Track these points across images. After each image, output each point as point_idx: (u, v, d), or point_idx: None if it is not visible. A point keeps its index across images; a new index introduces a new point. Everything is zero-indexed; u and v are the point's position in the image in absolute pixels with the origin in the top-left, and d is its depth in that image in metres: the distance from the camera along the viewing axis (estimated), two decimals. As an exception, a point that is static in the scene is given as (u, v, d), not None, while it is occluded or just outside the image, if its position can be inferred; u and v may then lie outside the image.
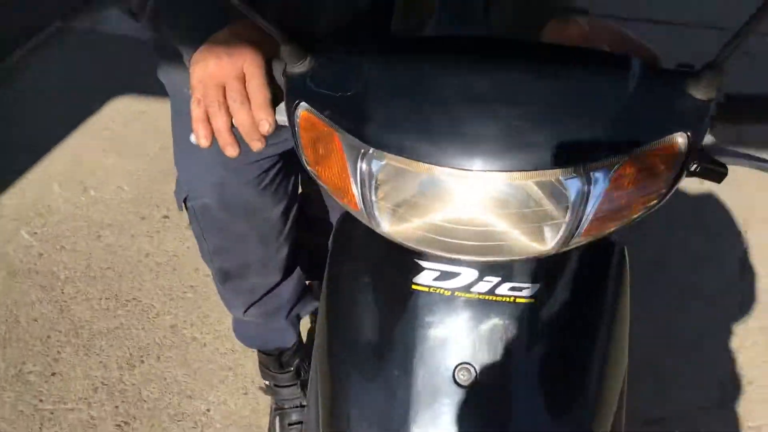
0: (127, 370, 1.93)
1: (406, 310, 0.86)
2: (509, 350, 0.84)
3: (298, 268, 1.54)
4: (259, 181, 1.26)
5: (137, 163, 2.62)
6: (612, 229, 0.73)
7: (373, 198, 0.74)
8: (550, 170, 0.68)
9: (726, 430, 1.78)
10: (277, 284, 1.48)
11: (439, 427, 0.82)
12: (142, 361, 1.96)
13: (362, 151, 0.72)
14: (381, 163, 0.72)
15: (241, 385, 1.90)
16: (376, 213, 0.75)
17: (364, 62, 0.76)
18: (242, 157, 1.23)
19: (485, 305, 0.84)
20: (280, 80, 0.82)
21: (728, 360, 1.94)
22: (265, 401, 1.84)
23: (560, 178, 0.68)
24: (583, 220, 0.71)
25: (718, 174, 0.76)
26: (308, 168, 0.80)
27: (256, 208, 1.30)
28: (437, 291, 0.84)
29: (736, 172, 0.81)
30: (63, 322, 2.05)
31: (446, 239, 0.73)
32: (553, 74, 0.72)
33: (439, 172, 0.69)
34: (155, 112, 2.85)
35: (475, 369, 0.83)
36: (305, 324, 1.98)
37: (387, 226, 0.76)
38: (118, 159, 2.64)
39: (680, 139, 0.71)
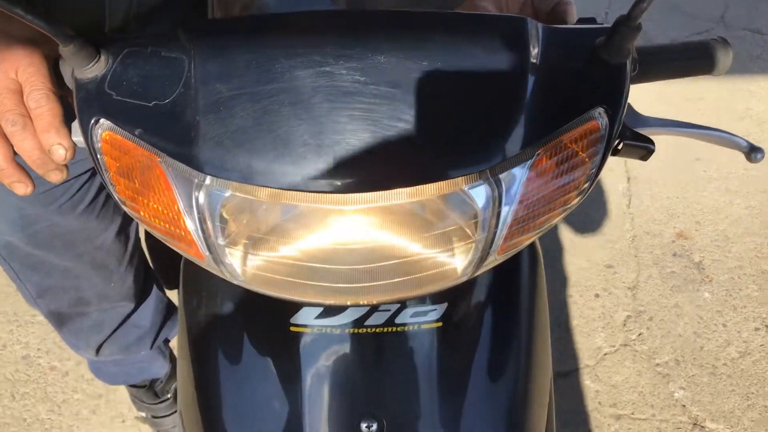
0: (-23, 417, 1.65)
1: (287, 358, 0.68)
2: (421, 389, 0.68)
3: (155, 287, 1.29)
4: (73, 205, 1.00)
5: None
6: (529, 241, 0.58)
7: (220, 242, 0.55)
8: (447, 181, 0.51)
9: (635, 370, 1.74)
10: (132, 312, 1.24)
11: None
12: (-6, 404, 1.68)
13: (196, 181, 0.52)
14: (224, 195, 0.52)
15: (116, 413, 1.66)
16: (228, 261, 0.56)
17: (184, 53, 0.55)
18: (40, 182, 0.97)
19: (385, 339, 0.67)
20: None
21: (627, 299, 1.90)
22: (148, 427, 1.62)
23: (463, 188, 0.52)
24: (498, 234, 0.55)
25: (644, 150, 0.62)
26: (125, 208, 0.59)
27: (79, 237, 1.05)
28: (323, 330, 0.67)
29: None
30: None
31: (326, 284, 0.56)
32: (436, 53, 0.54)
33: (302, 199, 0.51)
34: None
35: (382, 421, 0.66)
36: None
37: (245, 276, 0.57)
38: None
39: (599, 115, 0.56)
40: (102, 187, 1.03)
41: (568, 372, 1.74)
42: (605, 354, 1.78)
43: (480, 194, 0.52)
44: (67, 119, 0.60)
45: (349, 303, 0.57)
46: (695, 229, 2.07)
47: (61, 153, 0.58)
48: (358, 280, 0.55)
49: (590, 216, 2.10)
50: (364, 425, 0.67)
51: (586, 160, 0.56)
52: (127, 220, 1.11)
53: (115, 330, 1.23)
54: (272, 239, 0.55)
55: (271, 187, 0.50)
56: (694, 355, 1.78)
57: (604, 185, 2.21)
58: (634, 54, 0.61)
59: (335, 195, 0.50)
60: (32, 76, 0.59)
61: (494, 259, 0.57)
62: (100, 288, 1.14)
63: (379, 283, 0.56)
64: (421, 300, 0.67)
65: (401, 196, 0.51)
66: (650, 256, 2.00)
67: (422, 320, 0.67)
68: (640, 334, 1.82)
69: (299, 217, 0.53)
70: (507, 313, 0.73)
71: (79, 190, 1.00)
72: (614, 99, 0.56)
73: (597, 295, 1.90)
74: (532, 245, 0.77)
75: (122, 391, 1.68)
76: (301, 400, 0.67)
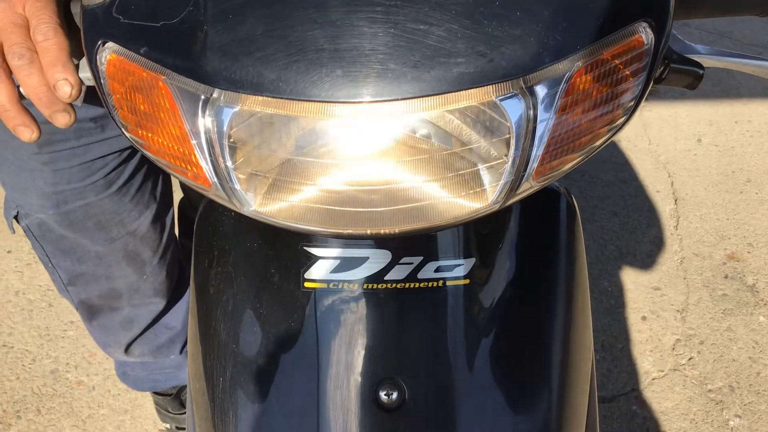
0: (2, 431, 1.62)
1: (301, 317, 0.63)
2: (445, 353, 0.62)
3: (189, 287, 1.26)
4: (108, 183, 0.98)
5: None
6: (571, 164, 0.53)
7: (228, 164, 0.51)
8: (477, 89, 0.47)
9: (686, 396, 1.63)
10: (163, 312, 1.20)
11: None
12: (19, 417, 1.65)
13: (203, 96, 0.49)
14: (233, 111, 0.49)
15: (141, 430, 1.62)
16: (237, 186, 0.52)
17: None
18: (79, 153, 0.96)
19: (406, 296, 0.62)
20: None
21: (676, 322, 1.80)
22: (172, 444, 1.57)
23: (493, 99, 0.47)
24: (533, 154, 0.50)
25: (692, 75, 0.57)
26: (127, 134, 0.55)
27: (113, 220, 1.02)
28: (339, 286, 0.62)
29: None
30: None
31: (342, 208, 0.51)
32: None
33: (318, 110, 0.47)
34: None
35: (403, 385, 0.61)
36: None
37: (254, 203, 0.53)
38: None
39: (643, 29, 0.51)
40: (138, 169, 1.01)
41: (613, 396, 1.63)
42: (653, 379, 1.68)
43: (512, 107, 0.47)
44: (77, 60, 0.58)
45: (369, 232, 0.52)
46: (747, 251, 1.97)
47: (66, 89, 0.55)
48: (378, 203, 0.51)
49: (636, 237, 2.02)
50: (383, 393, 0.61)
51: (630, 77, 0.52)
52: (162, 209, 1.09)
53: (145, 329, 1.19)
54: (284, 160, 0.51)
55: (282, 98, 0.47)
56: (750, 381, 1.66)
57: (650, 206, 2.12)
58: None
59: (353, 104, 0.46)
60: (39, 10, 0.57)
61: (530, 185, 0.51)
62: (133, 280, 1.11)
63: (403, 206, 0.51)
64: (446, 253, 0.62)
65: (425, 106, 0.47)
66: (700, 278, 1.90)
67: (447, 276, 0.62)
68: (690, 359, 1.71)
69: (314, 131, 0.49)
70: (542, 272, 0.67)
71: (115, 169, 0.98)
72: (658, 13, 0.52)
73: (644, 318, 1.80)
74: (567, 199, 0.71)
75: (147, 407, 1.64)
76: (315, 364, 0.62)
